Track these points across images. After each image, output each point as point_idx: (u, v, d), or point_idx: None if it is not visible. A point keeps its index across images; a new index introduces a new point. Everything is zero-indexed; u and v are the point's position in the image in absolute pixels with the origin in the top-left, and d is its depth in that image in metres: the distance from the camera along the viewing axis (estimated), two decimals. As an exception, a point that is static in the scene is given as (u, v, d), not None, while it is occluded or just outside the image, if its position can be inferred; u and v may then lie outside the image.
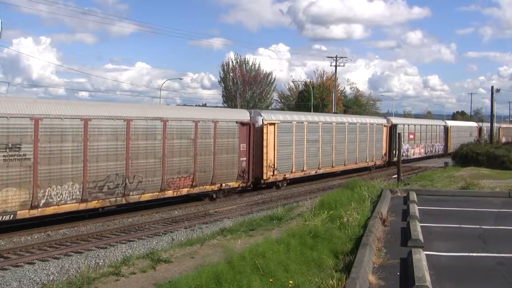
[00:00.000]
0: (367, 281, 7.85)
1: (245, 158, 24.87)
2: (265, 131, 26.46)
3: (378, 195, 16.68)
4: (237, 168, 24.48)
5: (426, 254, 8.93)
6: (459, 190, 19.13)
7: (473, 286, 8.11)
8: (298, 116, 31.06)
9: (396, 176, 25.91)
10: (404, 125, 46.03)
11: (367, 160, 38.93)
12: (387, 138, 42.21)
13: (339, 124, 34.88)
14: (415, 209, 13.51)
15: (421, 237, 10.36)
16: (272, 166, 27.11)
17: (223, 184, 23.70)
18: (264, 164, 26.49)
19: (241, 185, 24.96)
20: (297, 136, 29.40)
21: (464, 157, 35.87)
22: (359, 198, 15.83)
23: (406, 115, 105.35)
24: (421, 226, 11.49)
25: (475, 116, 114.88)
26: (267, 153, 26.58)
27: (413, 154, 48.27)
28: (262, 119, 26.51)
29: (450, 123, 61.94)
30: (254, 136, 25.57)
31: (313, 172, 31.59)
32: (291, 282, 8.05)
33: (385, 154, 42.11)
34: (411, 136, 47.12)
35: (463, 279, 8.31)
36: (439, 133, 55.41)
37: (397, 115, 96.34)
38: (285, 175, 28.47)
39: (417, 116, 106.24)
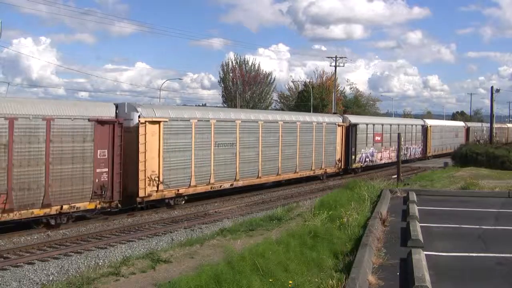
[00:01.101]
0: (367, 281, 7.85)
1: (106, 169, 18.26)
2: (142, 131, 19.78)
3: (377, 195, 16.69)
4: (91, 182, 17.80)
5: (426, 254, 8.94)
6: (459, 190, 19.15)
7: (473, 286, 8.12)
8: (202, 112, 23.69)
9: (395, 176, 25.95)
10: (367, 124, 38.83)
11: (313, 168, 31.44)
12: (342, 141, 34.93)
13: (269, 123, 27.35)
14: (414, 209, 13.51)
15: (420, 237, 10.37)
16: (156, 179, 20.40)
17: (66, 206, 17.05)
18: (141, 176, 19.73)
19: (99, 205, 18.18)
20: (199, 138, 22.44)
21: (464, 157, 35.90)
22: (358, 198, 15.83)
23: (405, 115, 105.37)
24: (420, 226, 11.49)
25: (475, 116, 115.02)
26: (145, 161, 19.83)
27: (380, 159, 40.71)
28: (139, 116, 19.91)
29: (430, 122, 55.06)
30: (124, 138, 18.91)
31: (227, 185, 24.36)
32: (290, 282, 8.04)
33: (340, 160, 34.63)
34: (377, 138, 39.88)
35: (463, 279, 8.31)
36: (415, 133, 48.33)
37: (397, 115, 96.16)
38: (178, 190, 21.52)
39: (416, 116, 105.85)
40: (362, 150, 37.87)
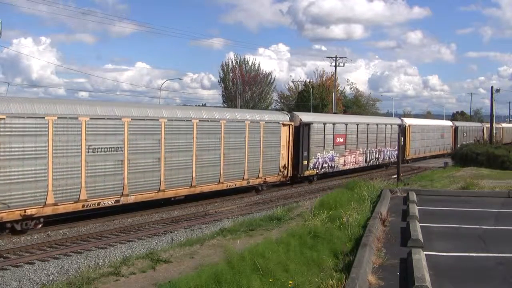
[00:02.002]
0: (367, 281, 7.85)
1: None
2: None
3: (377, 195, 16.68)
4: None
5: (426, 254, 8.94)
6: (459, 190, 19.15)
7: (473, 286, 8.11)
8: (67, 107, 17.48)
9: (396, 176, 25.96)
10: (324, 124, 32.37)
11: (247, 177, 25.09)
12: (289, 143, 28.30)
13: (178, 121, 21.25)
14: (414, 209, 13.51)
15: (420, 237, 10.36)
16: None
17: None
18: None
19: None
20: (62, 142, 16.92)
21: (464, 157, 35.94)
22: (358, 198, 15.83)
23: (405, 115, 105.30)
24: (420, 226, 11.49)
25: (475, 116, 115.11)
26: None
27: (343, 165, 34.78)
28: None
29: (409, 121, 49.46)
30: None
31: (109, 202, 18.55)
32: (290, 282, 8.04)
33: (285, 167, 28.01)
34: (339, 140, 33.95)
35: (463, 279, 8.31)
36: (391, 134, 41.79)
37: (397, 115, 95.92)
38: (25, 211, 15.87)
39: (416, 116, 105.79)
40: (318, 154, 31.39)
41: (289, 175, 28.73)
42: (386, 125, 41.83)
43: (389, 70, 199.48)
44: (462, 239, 11.12)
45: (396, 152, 41.49)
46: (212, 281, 7.99)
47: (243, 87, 73.25)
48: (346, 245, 10.26)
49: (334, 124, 33.67)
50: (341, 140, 34.29)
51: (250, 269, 8.60)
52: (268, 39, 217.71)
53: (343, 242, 10.50)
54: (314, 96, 68.38)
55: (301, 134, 29.58)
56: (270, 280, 8.20)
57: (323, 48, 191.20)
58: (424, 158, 50.53)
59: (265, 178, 26.66)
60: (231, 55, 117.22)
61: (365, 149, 37.78)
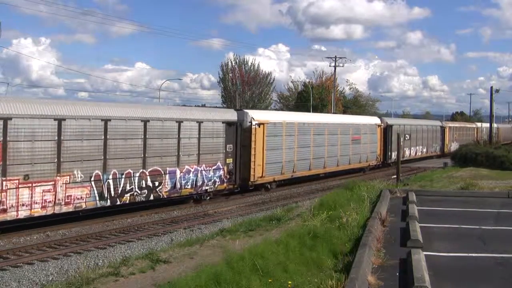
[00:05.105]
0: (366, 282, 7.84)
1: None
2: None
3: (377, 196, 16.66)
4: None
5: (425, 255, 8.92)
6: (458, 191, 19.14)
7: (472, 286, 8.11)
8: None
9: (395, 176, 25.96)
10: None
11: None
12: None
13: None
14: (414, 209, 13.50)
15: (420, 238, 10.36)
16: None
17: None
18: None
19: None
20: None
21: (463, 157, 35.92)
22: (358, 198, 15.80)
23: (405, 115, 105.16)
24: (420, 226, 11.48)
25: (475, 116, 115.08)
26: None
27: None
28: None
29: (262, 115, 27.47)
30: None
31: None
32: (290, 282, 8.04)
33: None
34: None
35: (462, 280, 8.31)
36: (201, 139, 22.52)
37: (397, 115, 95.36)
38: None
39: (415, 116, 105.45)
40: None
41: None
42: (181, 122, 21.69)
43: (388, 71, 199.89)
44: (461, 240, 11.12)
45: (221, 173, 23.58)
46: (211, 282, 7.99)
47: (242, 88, 73.15)
48: (345, 245, 10.26)
49: None
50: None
51: (250, 269, 8.59)
52: (267, 39, 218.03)
53: (342, 242, 10.49)
54: (314, 96, 68.28)
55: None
56: (270, 280, 8.19)
57: (323, 48, 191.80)
58: (311, 177, 31.23)
59: None
60: (231, 56, 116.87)
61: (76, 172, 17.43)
